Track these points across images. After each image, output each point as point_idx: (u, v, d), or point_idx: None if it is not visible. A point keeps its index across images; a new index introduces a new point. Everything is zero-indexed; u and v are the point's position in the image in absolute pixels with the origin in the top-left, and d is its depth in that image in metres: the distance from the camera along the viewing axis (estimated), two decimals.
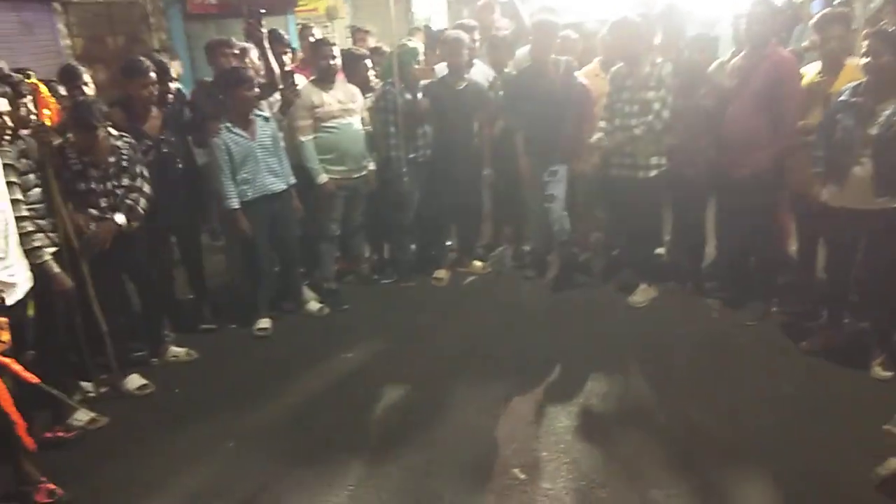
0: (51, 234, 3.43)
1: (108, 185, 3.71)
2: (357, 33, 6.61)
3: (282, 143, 4.58)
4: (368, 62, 5.12)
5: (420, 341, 4.42)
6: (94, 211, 3.66)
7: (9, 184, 3.06)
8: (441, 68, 5.07)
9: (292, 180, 4.60)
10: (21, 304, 3.08)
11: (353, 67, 4.97)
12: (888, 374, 3.58)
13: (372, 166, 5.00)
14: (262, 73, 4.60)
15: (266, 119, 4.50)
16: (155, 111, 4.18)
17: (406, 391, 3.82)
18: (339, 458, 3.25)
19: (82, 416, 3.57)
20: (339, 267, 5.34)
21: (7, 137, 3.02)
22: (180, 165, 4.31)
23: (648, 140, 4.37)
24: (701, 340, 4.18)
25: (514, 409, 3.56)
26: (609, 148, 4.52)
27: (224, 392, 3.95)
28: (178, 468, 3.26)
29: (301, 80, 4.87)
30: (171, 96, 4.40)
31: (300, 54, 5.99)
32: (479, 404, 3.62)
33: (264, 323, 4.64)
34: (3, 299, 2.84)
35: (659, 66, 4.34)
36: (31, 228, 3.21)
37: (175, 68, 5.42)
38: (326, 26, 10.80)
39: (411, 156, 5.01)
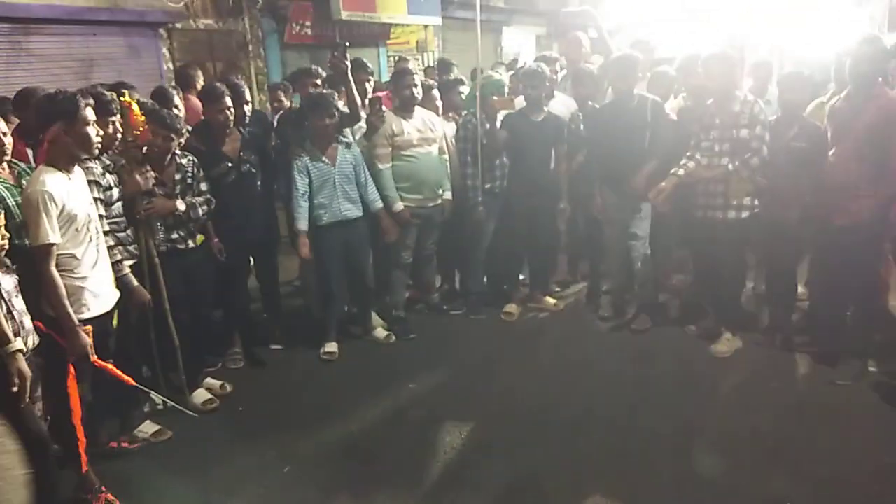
0: (130, 248, 3.54)
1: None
2: (441, 65, 6.67)
3: (365, 171, 4.60)
4: (436, 92, 5.15)
5: (485, 378, 4.29)
6: (158, 226, 3.76)
7: (93, 199, 3.17)
8: (521, 100, 5.01)
9: (378, 204, 4.62)
10: (108, 314, 3.19)
11: (425, 96, 5.00)
12: None
13: (448, 195, 4.96)
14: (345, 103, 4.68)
15: (348, 146, 4.55)
16: (234, 133, 4.28)
17: (464, 429, 3.69)
18: (389, 494, 3.16)
19: (148, 428, 3.64)
20: (409, 295, 5.31)
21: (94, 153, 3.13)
22: (259, 185, 4.40)
23: (741, 178, 4.14)
24: (789, 400, 3.86)
25: (575, 460, 3.37)
26: (695, 185, 4.31)
27: (286, 414, 3.95)
28: (232, 488, 3.25)
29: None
30: (247, 118, 4.49)
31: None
32: (539, 452, 3.45)
33: (331, 347, 4.64)
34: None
35: (750, 104, 4.12)
36: (112, 242, 3.32)
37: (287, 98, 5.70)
38: (417, 58, 11.03)
39: (487, 186, 4.95)
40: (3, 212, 2.70)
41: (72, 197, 2.89)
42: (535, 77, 4.85)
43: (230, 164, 4.21)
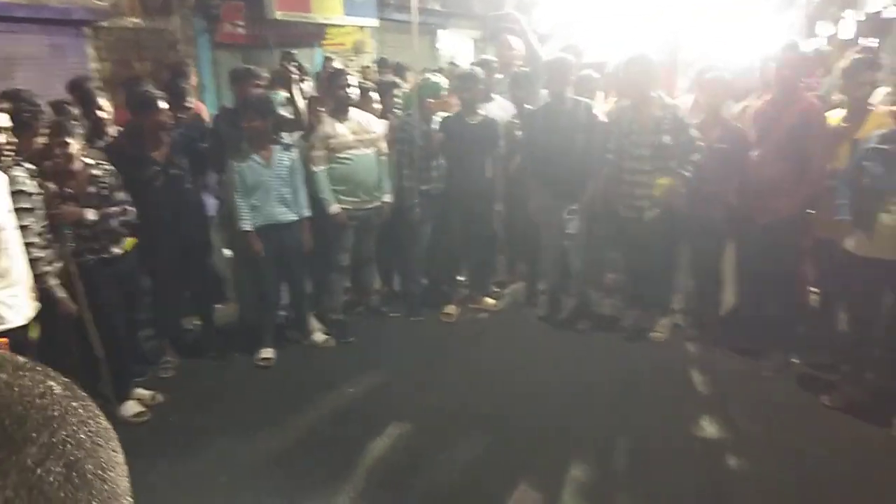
0: (52, 260, 3.40)
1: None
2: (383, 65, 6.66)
3: (300, 174, 4.53)
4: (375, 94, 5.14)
5: (424, 379, 4.29)
6: (67, 233, 3.58)
7: (19, 210, 3.03)
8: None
9: (306, 213, 4.55)
10: (24, 327, 3.03)
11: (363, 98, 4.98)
12: None
13: (387, 198, 4.94)
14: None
15: (286, 148, 4.48)
16: (165, 137, 4.16)
17: (404, 433, 3.68)
18: (326, 500, 3.12)
19: None
20: (347, 298, 5.27)
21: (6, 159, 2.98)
22: (189, 188, 4.28)
23: (663, 178, 4.29)
24: (716, 390, 4.02)
25: (515, 460, 3.40)
26: (619, 185, 4.44)
27: (221, 422, 3.85)
28: (166, 501, 3.15)
29: None
30: (182, 117, 4.38)
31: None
32: (480, 452, 3.48)
33: (267, 353, 4.56)
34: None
35: (672, 109, 4.26)
36: (38, 254, 3.18)
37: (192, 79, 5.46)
38: (352, 60, 10.94)
39: (424, 187, 4.95)
40: None
41: None
42: (468, 80, 4.89)
43: (158, 168, 4.09)
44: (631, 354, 4.51)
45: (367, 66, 6.68)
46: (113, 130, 4.31)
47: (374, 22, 11.01)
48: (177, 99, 4.23)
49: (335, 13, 10.26)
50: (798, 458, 3.30)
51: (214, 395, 4.20)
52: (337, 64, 5.69)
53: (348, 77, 4.78)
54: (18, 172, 3.12)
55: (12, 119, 2.89)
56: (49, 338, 3.33)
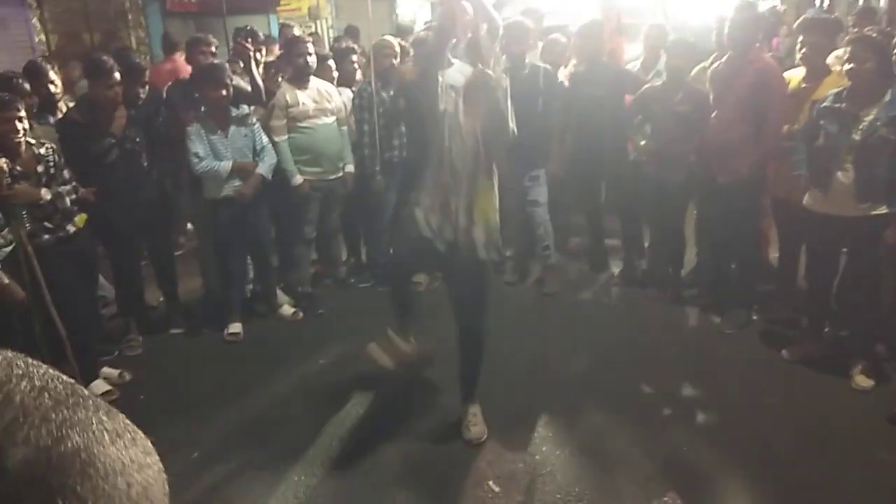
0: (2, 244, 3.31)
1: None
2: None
3: (259, 145, 4.43)
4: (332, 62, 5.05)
5: None
6: (24, 214, 3.48)
7: None
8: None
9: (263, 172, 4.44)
10: None
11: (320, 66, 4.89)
12: (869, 383, 3.52)
13: (350, 168, 4.88)
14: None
15: (243, 118, 4.36)
16: (120, 110, 4.04)
17: (377, 401, 3.70)
18: (299, 472, 3.13)
19: None
20: (314, 270, 5.23)
21: None
22: (145, 164, 4.18)
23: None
24: (680, 348, 4.11)
25: (489, 419, 3.45)
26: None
27: (191, 399, 3.81)
28: None
29: None
30: (142, 94, 4.27)
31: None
32: (453, 414, 3.52)
33: (235, 328, 4.51)
34: None
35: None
36: None
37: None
38: (310, 26, 10.71)
39: (386, 156, 4.90)
40: None
41: None
42: (423, 45, 4.82)
43: (113, 141, 3.97)
44: (595, 316, 4.59)
45: (316, 34, 6.53)
46: (63, 106, 4.18)
47: None
48: (134, 75, 4.10)
49: None
50: (759, 412, 3.41)
51: (183, 371, 4.16)
52: (296, 31, 5.56)
53: (307, 45, 4.68)
54: None
55: None
56: (3, 324, 3.27)
